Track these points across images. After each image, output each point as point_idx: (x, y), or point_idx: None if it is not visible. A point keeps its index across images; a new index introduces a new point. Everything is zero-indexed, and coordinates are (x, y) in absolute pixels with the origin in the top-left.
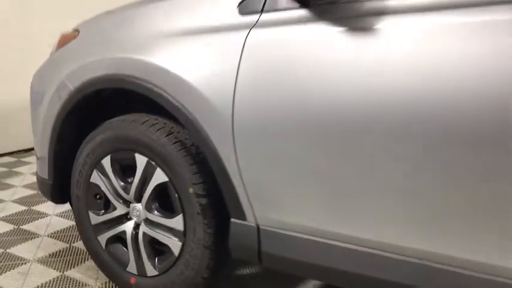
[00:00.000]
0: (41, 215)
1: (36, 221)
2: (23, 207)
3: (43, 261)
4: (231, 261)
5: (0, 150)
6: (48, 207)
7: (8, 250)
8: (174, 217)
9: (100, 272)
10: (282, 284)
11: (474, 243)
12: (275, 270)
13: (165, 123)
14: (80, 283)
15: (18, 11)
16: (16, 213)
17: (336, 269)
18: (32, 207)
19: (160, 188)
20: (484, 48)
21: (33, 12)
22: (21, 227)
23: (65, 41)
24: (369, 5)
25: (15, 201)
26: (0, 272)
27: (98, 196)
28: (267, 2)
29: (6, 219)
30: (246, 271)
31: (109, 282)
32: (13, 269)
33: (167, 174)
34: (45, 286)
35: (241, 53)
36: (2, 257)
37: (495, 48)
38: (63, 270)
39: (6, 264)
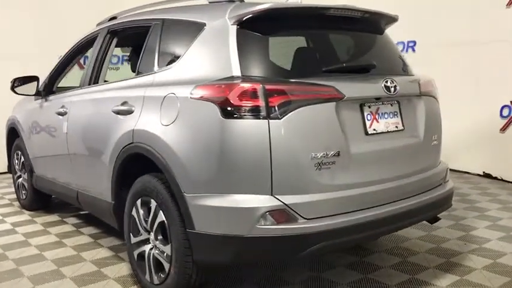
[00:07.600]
0: None
1: None
2: None
3: None
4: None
5: None
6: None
7: None
8: (25, 173)
9: None
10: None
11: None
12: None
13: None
14: None
15: None
16: None
17: (56, 190)
18: None
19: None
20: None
21: None
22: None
23: (15, 107)
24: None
25: None
26: None
27: (16, 168)
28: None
29: None
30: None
31: None
32: None
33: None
34: None
35: (32, 113)
36: None
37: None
38: None
39: None
